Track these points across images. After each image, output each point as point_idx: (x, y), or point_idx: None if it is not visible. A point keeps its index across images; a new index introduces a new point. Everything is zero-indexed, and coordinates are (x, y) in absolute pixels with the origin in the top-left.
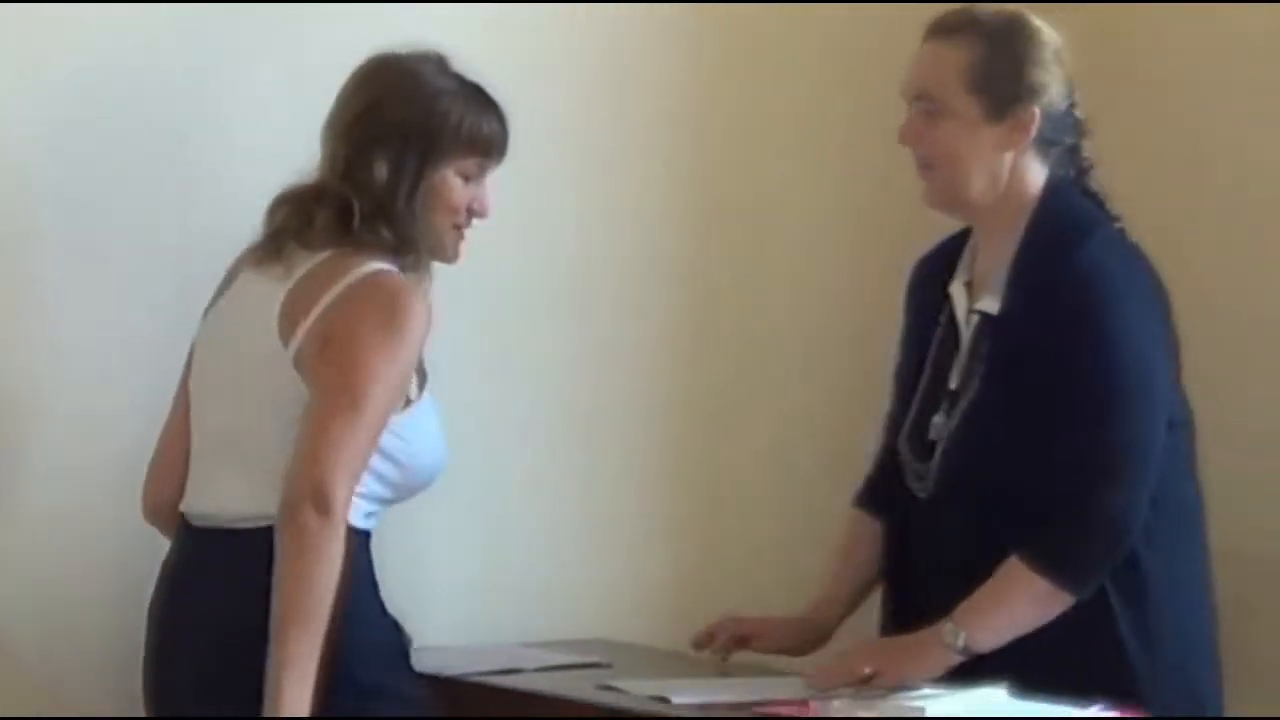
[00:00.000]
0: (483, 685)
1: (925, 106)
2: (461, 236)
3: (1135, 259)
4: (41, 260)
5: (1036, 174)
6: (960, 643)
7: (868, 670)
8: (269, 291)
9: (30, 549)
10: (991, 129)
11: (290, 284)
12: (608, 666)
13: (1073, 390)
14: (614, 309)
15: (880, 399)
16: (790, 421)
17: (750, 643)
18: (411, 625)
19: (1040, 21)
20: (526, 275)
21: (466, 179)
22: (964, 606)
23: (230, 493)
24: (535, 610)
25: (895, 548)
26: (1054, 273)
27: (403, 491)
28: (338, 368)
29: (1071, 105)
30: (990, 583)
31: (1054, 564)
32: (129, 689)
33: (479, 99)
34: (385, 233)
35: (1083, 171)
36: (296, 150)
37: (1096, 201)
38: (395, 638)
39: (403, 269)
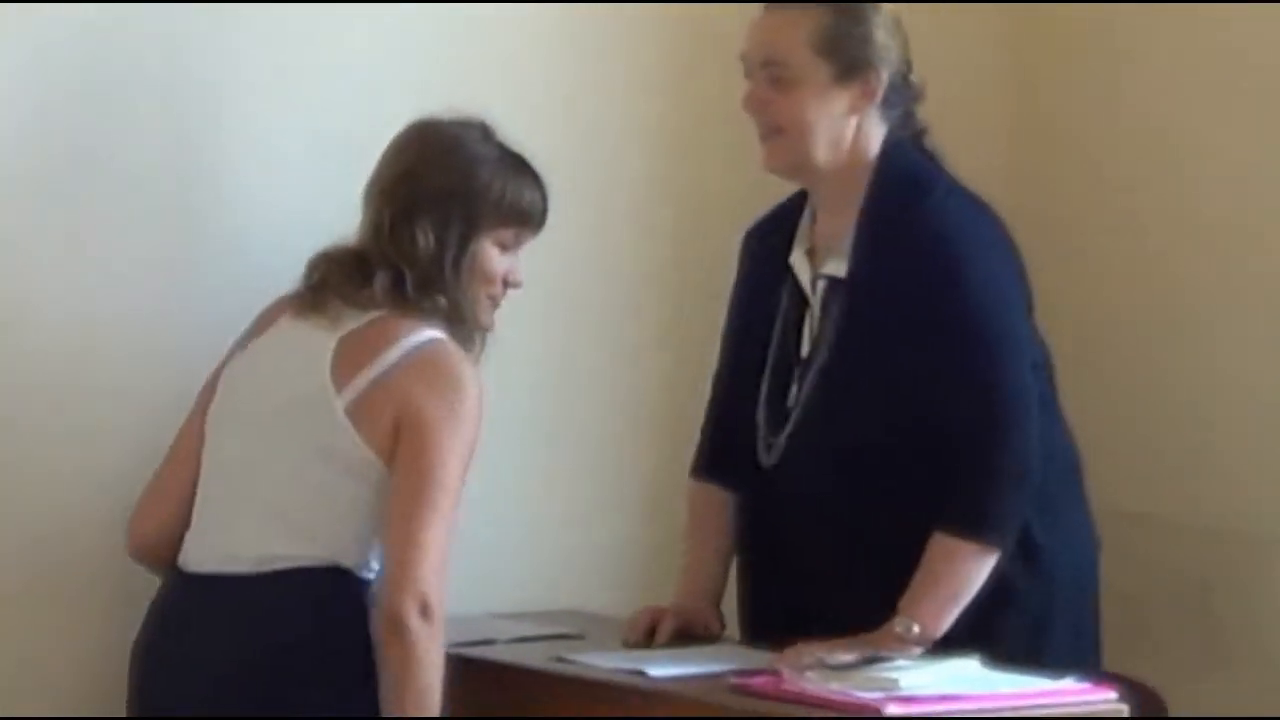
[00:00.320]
0: (456, 657)
1: (772, 73)
2: (496, 305)
3: (979, 208)
4: (39, 263)
5: (877, 137)
6: (914, 633)
7: (831, 660)
8: (318, 338)
9: (30, 549)
10: (839, 93)
11: (341, 333)
12: (580, 638)
13: (942, 347)
14: (586, 288)
15: None
16: None
17: (689, 628)
18: None
19: None
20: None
21: (504, 248)
22: (906, 599)
23: (254, 534)
24: (508, 582)
25: (746, 521)
26: (902, 231)
27: None
28: (416, 467)
29: (908, 70)
30: (922, 568)
31: (975, 526)
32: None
33: (520, 169)
34: (440, 299)
35: (919, 134)
36: (297, 159)
37: (934, 160)
38: None
39: (453, 336)
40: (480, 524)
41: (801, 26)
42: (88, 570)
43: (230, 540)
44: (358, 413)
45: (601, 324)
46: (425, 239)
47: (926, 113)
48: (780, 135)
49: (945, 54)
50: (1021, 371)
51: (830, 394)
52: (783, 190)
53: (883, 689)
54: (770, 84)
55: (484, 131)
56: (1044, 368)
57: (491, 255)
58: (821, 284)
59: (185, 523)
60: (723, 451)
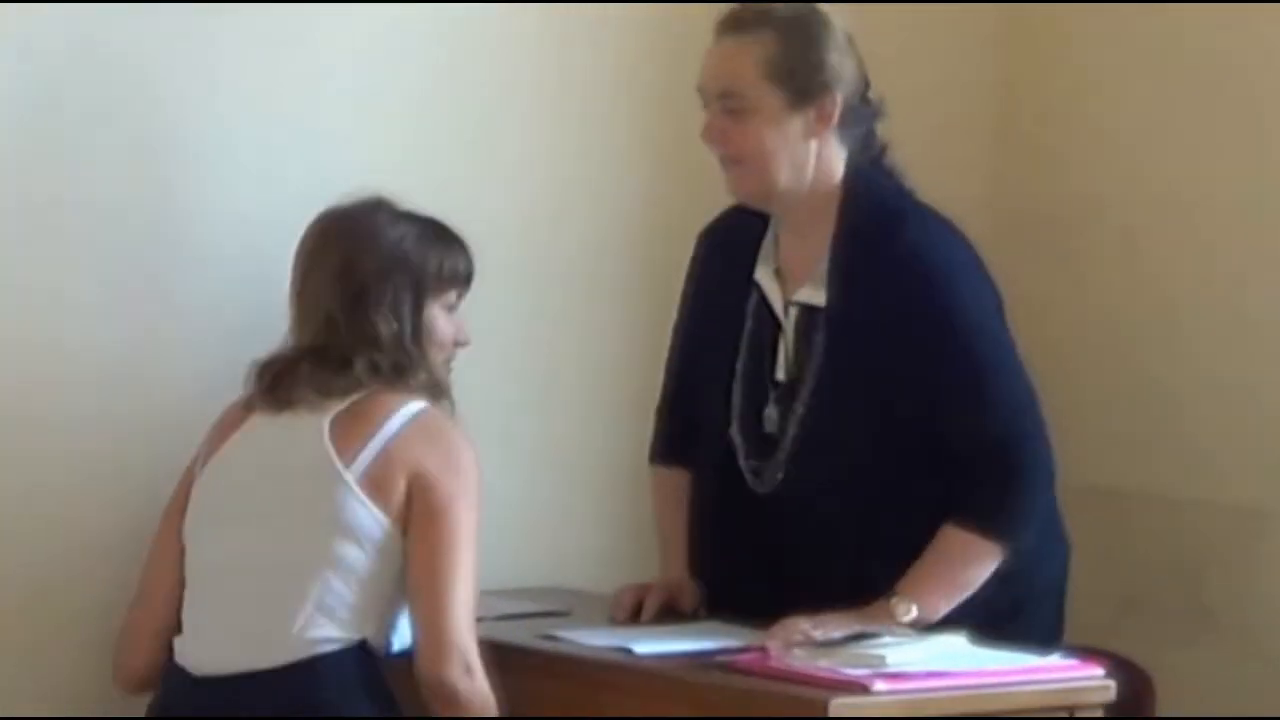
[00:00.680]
0: None
1: (727, 104)
2: (450, 366)
3: (948, 229)
4: (30, 264)
5: (839, 160)
6: (912, 615)
7: (819, 635)
8: (307, 422)
9: (29, 549)
10: (795, 118)
11: (330, 415)
12: (565, 614)
13: (940, 371)
14: (573, 274)
15: None
16: None
17: (673, 604)
18: None
19: (829, 10)
20: (482, 252)
21: (449, 311)
22: (909, 580)
23: (275, 625)
24: (493, 559)
25: (743, 544)
26: (880, 259)
27: None
28: (435, 534)
29: (865, 89)
30: (929, 554)
31: (993, 524)
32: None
33: (444, 235)
34: (420, 374)
35: (880, 152)
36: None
37: (895, 179)
38: None
39: (436, 406)
40: None
41: (752, 55)
42: (85, 574)
43: (247, 637)
44: (370, 482)
45: (586, 306)
46: (386, 323)
47: (909, 116)
48: (741, 165)
49: (929, 54)
50: (1022, 383)
51: (826, 424)
52: None
53: (870, 665)
54: (726, 114)
55: (389, 209)
56: None
57: (441, 322)
58: (795, 310)
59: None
60: (682, 437)
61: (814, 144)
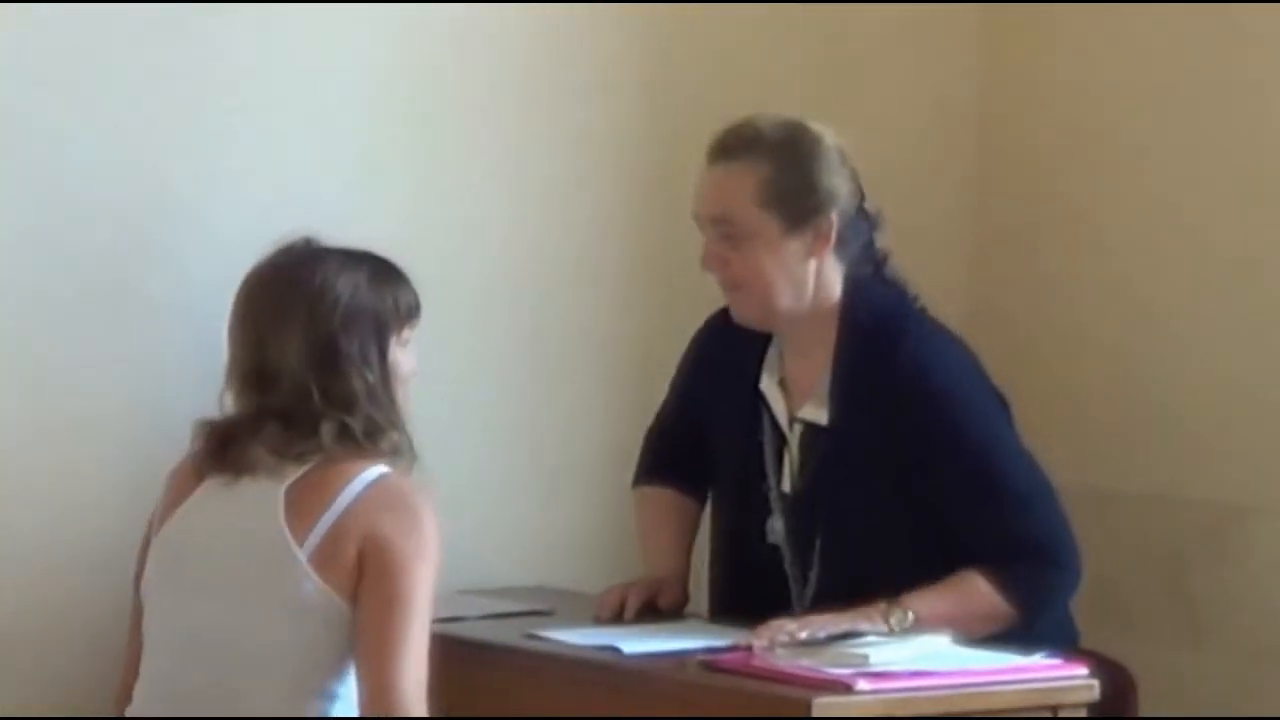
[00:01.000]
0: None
1: (724, 230)
2: (409, 399)
3: (948, 340)
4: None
5: (838, 276)
6: (906, 625)
7: (803, 634)
8: (263, 491)
9: (28, 550)
10: (792, 242)
11: (285, 483)
12: (550, 614)
13: (961, 490)
14: (555, 276)
15: None
16: None
17: (656, 602)
18: None
19: (820, 126)
20: (467, 252)
21: (404, 346)
22: (917, 599)
23: (224, 700)
24: (477, 559)
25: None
26: (881, 377)
27: None
28: (389, 601)
29: (861, 202)
30: (946, 587)
31: (1015, 592)
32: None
33: (388, 272)
34: (392, 436)
35: (880, 263)
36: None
37: (897, 288)
38: None
39: (398, 469)
40: (448, 501)
41: (746, 182)
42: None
43: (197, 708)
44: (322, 558)
45: (569, 308)
46: (360, 378)
47: (891, 119)
48: (741, 290)
49: (912, 56)
50: (1042, 483)
51: (836, 541)
52: None
53: (853, 665)
54: (723, 240)
55: (333, 256)
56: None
57: (402, 359)
58: (799, 427)
59: None
60: (668, 464)
61: (813, 264)
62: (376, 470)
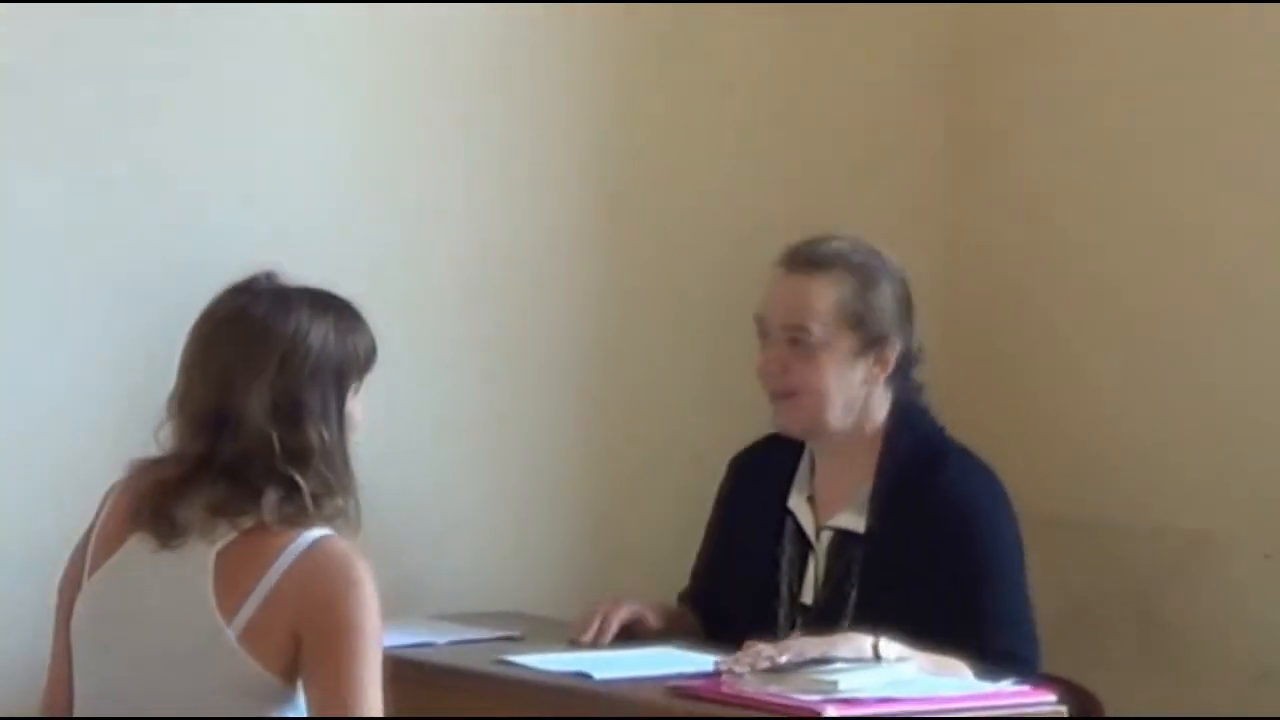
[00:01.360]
0: (396, 659)
1: (794, 338)
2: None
3: (984, 470)
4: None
5: (885, 402)
6: (890, 657)
7: (783, 658)
8: (191, 562)
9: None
10: (859, 363)
11: (216, 548)
12: (520, 639)
13: (964, 594)
14: (526, 297)
15: None
16: (695, 410)
17: (634, 630)
18: None
19: (895, 258)
20: (442, 265)
21: (357, 393)
22: (907, 645)
23: None
24: (446, 584)
25: None
26: (924, 495)
27: None
28: (334, 674)
29: (913, 332)
30: (934, 656)
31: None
32: None
33: (349, 315)
34: (336, 501)
35: (916, 392)
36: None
37: (930, 418)
38: None
39: (339, 530)
40: (418, 526)
41: (828, 296)
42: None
43: None
44: (251, 636)
45: (543, 327)
46: (317, 434)
47: (863, 115)
48: (794, 398)
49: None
50: (1028, 608)
51: None
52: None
53: (822, 691)
54: (790, 348)
55: (304, 299)
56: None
57: (355, 408)
58: (827, 535)
59: None
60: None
61: (868, 388)
62: (310, 537)
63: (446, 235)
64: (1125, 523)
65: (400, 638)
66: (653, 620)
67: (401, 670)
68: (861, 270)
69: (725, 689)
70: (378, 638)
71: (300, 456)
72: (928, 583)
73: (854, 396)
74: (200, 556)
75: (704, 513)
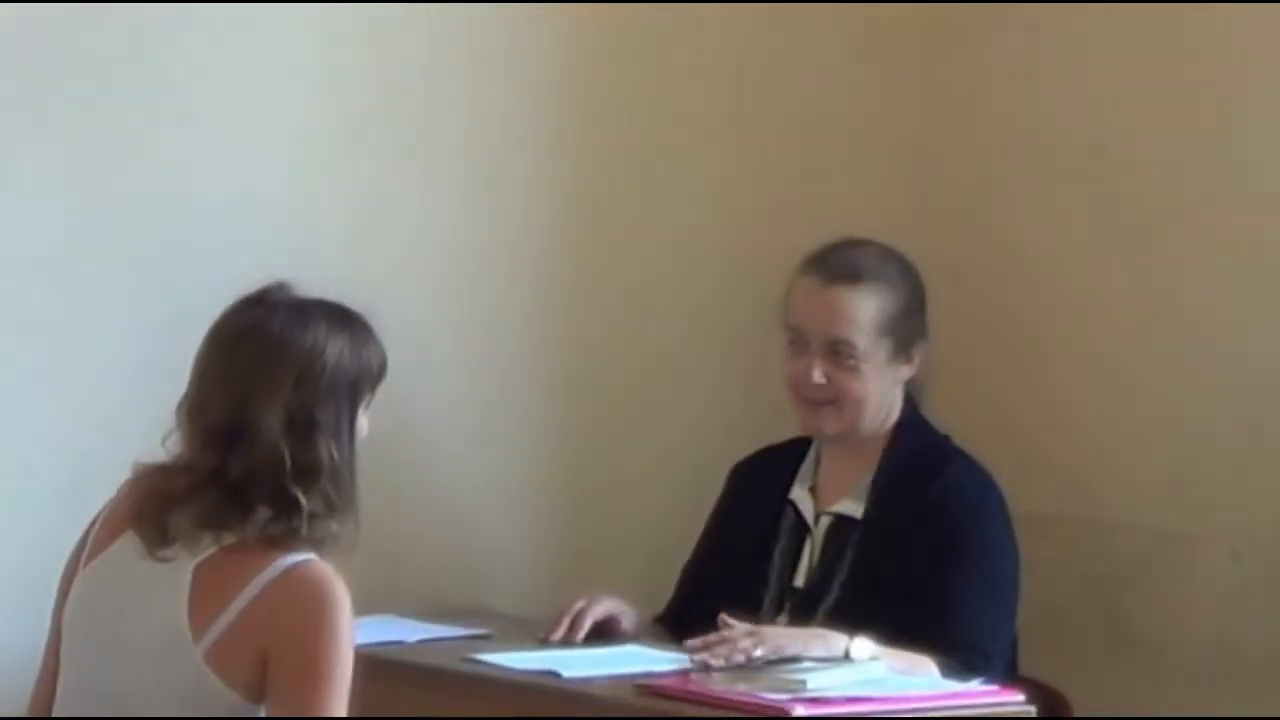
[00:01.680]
0: (366, 657)
1: (837, 350)
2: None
3: (986, 475)
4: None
5: (900, 400)
6: (864, 657)
7: (758, 652)
8: (170, 575)
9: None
10: (893, 367)
11: (196, 560)
12: (489, 637)
13: (949, 583)
14: (503, 295)
15: (762, 391)
16: (670, 409)
17: (608, 630)
18: None
19: (908, 254)
20: (420, 265)
21: (366, 409)
22: (883, 645)
23: None
24: (415, 582)
25: None
26: (926, 488)
27: None
28: (299, 700)
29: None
30: (904, 653)
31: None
32: None
33: (362, 328)
34: (331, 525)
35: (916, 392)
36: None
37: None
38: None
39: (323, 555)
40: (389, 524)
41: (869, 308)
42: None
43: None
44: (219, 656)
45: (519, 327)
46: (327, 451)
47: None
48: (833, 405)
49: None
50: (1010, 614)
51: (844, 624)
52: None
53: (790, 690)
54: (830, 358)
55: (323, 312)
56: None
57: (364, 423)
58: (825, 520)
59: None
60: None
61: (898, 388)
62: (288, 561)
63: (424, 237)
64: (1091, 520)
65: (370, 635)
66: (627, 622)
67: (371, 668)
68: (900, 279)
69: (694, 687)
70: (345, 665)
71: (309, 473)
72: (911, 570)
73: (887, 400)
74: (180, 568)
75: (683, 513)
